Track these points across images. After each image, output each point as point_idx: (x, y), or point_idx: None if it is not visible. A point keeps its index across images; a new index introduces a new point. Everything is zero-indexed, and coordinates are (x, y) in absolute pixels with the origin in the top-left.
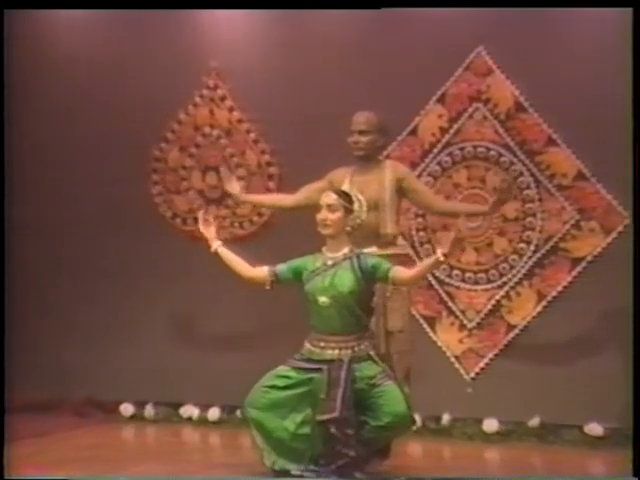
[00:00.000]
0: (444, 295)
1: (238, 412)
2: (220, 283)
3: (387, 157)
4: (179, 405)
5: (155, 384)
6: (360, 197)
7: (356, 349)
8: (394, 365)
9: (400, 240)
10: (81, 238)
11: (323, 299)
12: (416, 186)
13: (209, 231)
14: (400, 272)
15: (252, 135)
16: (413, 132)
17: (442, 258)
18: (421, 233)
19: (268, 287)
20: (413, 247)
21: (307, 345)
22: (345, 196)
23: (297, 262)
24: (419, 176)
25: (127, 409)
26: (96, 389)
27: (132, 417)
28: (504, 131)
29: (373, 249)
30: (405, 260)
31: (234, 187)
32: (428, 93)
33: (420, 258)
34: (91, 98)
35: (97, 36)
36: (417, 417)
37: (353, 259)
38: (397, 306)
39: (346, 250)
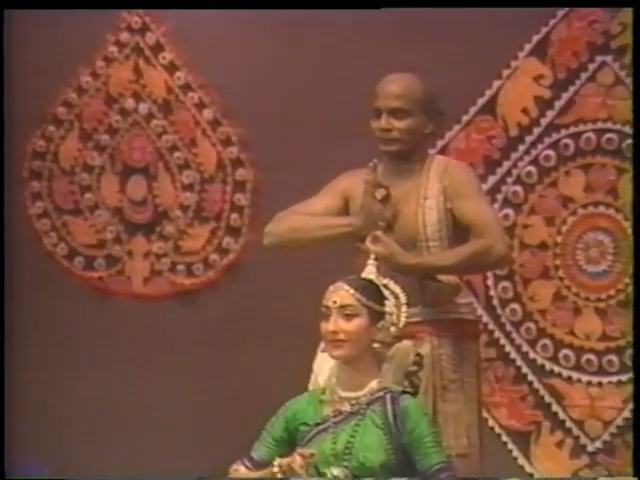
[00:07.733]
0: (544, 392)
1: None
2: (153, 366)
3: (441, 152)
4: None
5: None
6: (393, 286)
7: None
8: None
9: (464, 296)
10: None
11: (335, 473)
12: (460, 203)
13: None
14: None
15: (208, 112)
16: (488, 107)
17: None
18: (504, 284)
19: None
20: (489, 307)
21: None
22: (369, 289)
23: (287, 413)
24: (499, 185)
25: None
26: None
27: None
28: None
29: (413, 312)
30: (470, 330)
31: None
32: (516, 39)
33: (501, 327)
34: None
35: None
36: None
37: (386, 403)
38: (458, 410)
39: (373, 385)
